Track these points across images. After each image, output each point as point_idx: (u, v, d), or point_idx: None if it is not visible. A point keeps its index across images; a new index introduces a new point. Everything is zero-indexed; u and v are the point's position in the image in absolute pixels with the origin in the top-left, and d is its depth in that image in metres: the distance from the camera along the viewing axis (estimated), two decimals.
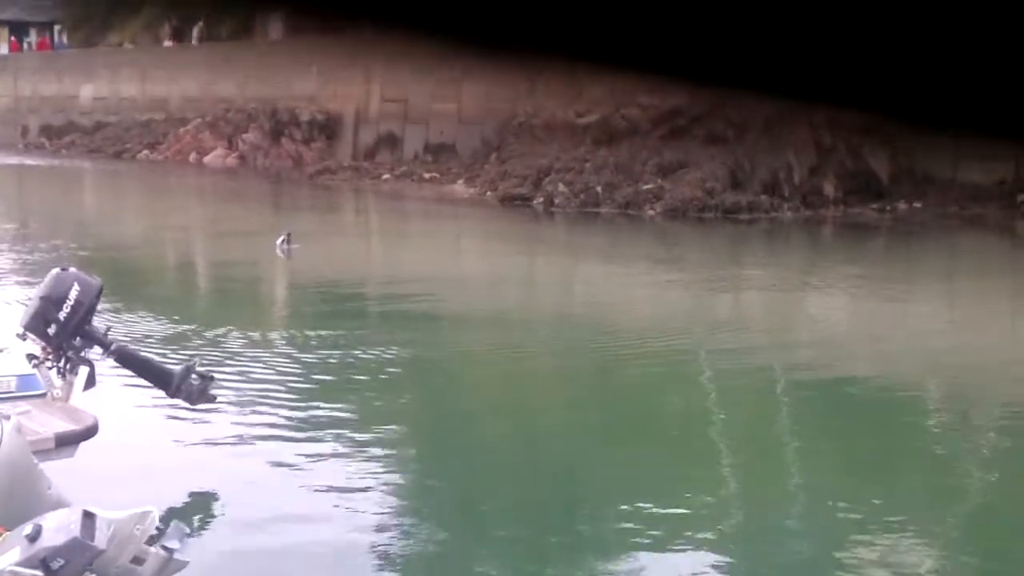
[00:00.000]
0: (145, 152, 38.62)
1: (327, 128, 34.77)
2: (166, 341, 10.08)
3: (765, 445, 7.97)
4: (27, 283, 12.98)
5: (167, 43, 46.33)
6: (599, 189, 23.36)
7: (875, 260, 18.51)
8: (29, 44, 59.53)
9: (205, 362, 7.50)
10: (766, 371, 10.05)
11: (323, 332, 10.78)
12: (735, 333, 11.83)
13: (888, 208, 23.15)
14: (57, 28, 60.29)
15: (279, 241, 16.20)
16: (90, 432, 5.63)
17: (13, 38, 61.27)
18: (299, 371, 9.23)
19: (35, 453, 4.79)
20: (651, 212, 22.44)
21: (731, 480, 7.02)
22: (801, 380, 9.70)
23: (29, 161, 38.83)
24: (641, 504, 6.39)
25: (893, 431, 8.14)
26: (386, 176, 30.42)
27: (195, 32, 42.26)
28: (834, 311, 13.58)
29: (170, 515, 5.18)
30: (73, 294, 5.66)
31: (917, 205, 23.21)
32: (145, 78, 42.19)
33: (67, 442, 5.49)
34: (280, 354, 9.83)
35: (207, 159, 36.09)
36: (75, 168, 36.89)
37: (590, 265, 17.25)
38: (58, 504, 4.23)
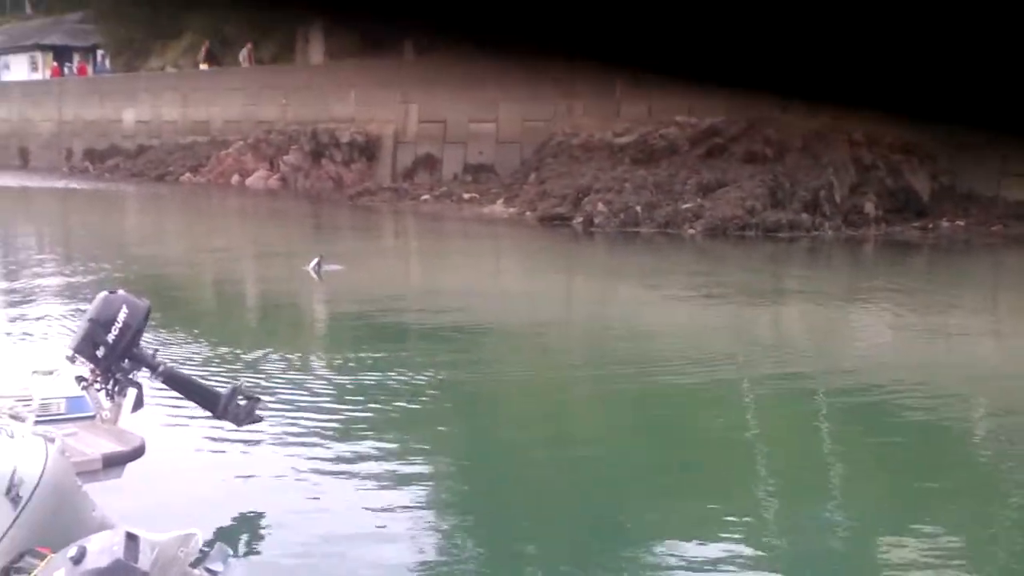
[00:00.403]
0: (188, 175, 39.00)
1: (367, 149, 34.98)
2: (210, 362, 10.15)
3: (810, 472, 7.89)
4: (76, 305, 13.14)
5: (202, 66, 46.90)
6: (638, 208, 23.32)
7: (918, 279, 18.34)
8: (69, 68, 60.38)
9: (249, 384, 7.55)
10: (810, 394, 9.95)
11: (364, 355, 10.81)
12: (778, 354, 11.74)
13: (930, 226, 22.95)
14: (100, 53, 61.17)
15: (312, 265, 16.32)
16: (137, 453, 5.67)
17: (55, 63, 62.25)
18: (340, 395, 9.26)
19: (83, 474, 4.83)
20: (691, 231, 22.39)
21: (775, 508, 6.94)
22: (847, 404, 9.58)
23: (73, 185, 39.29)
24: (683, 536, 6.31)
25: (942, 457, 8.04)
26: (425, 197, 30.54)
27: (243, 54, 42.58)
28: (878, 331, 13.45)
29: (214, 537, 5.20)
30: (121, 317, 5.70)
31: (960, 223, 23.00)
32: (187, 102, 42.66)
33: (114, 463, 5.53)
34: (321, 376, 9.87)
35: (249, 181, 36.40)
36: (118, 191, 37.29)
37: (630, 285, 17.20)
38: (102, 526, 4.25)
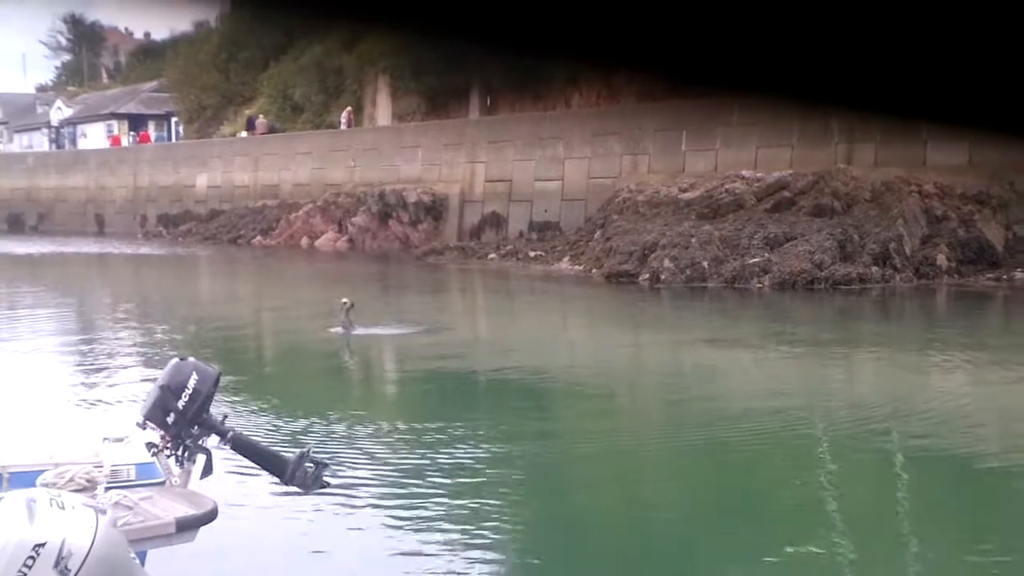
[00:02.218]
0: (258, 238, 39.67)
1: (433, 209, 35.33)
2: (277, 427, 10.24)
3: (888, 533, 7.70)
4: (147, 370, 13.36)
5: (242, 134, 48.03)
6: (705, 264, 23.23)
7: (994, 331, 17.98)
8: (132, 137, 61.80)
9: (316, 449, 7.58)
10: (888, 452, 9.74)
11: (431, 417, 10.82)
12: (851, 410, 11.53)
13: (1004, 277, 22.53)
14: (174, 120, 62.72)
15: (341, 319, 16.09)
16: (210, 516, 5.70)
17: (117, 133, 63.88)
18: (408, 458, 9.25)
19: (156, 538, 4.88)
20: (759, 285, 22.22)
21: (854, 570, 6.80)
22: (922, 459, 9.38)
23: (148, 250, 40.11)
24: None
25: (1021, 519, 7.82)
26: (492, 255, 30.71)
27: (344, 117, 43.30)
28: (955, 384, 13.17)
29: None
30: (191, 383, 5.76)
31: None
32: (257, 166, 43.48)
33: (188, 527, 5.57)
34: (388, 440, 9.88)
35: (318, 243, 36.92)
36: (191, 256, 37.96)
37: (699, 341, 17.05)
38: None
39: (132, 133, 63.68)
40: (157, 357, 14.23)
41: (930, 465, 9.26)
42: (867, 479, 9.00)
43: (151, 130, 65.44)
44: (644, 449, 10.08)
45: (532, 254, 29.85)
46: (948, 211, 23.69)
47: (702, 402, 11.71)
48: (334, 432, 10.07)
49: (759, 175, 26.02)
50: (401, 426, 10.44)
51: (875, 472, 9.16)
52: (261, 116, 48.81)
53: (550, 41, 1.33)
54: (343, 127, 42.55)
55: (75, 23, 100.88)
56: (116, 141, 62.03)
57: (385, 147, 38.64)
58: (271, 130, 47.68)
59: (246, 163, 44.22)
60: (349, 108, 43.21)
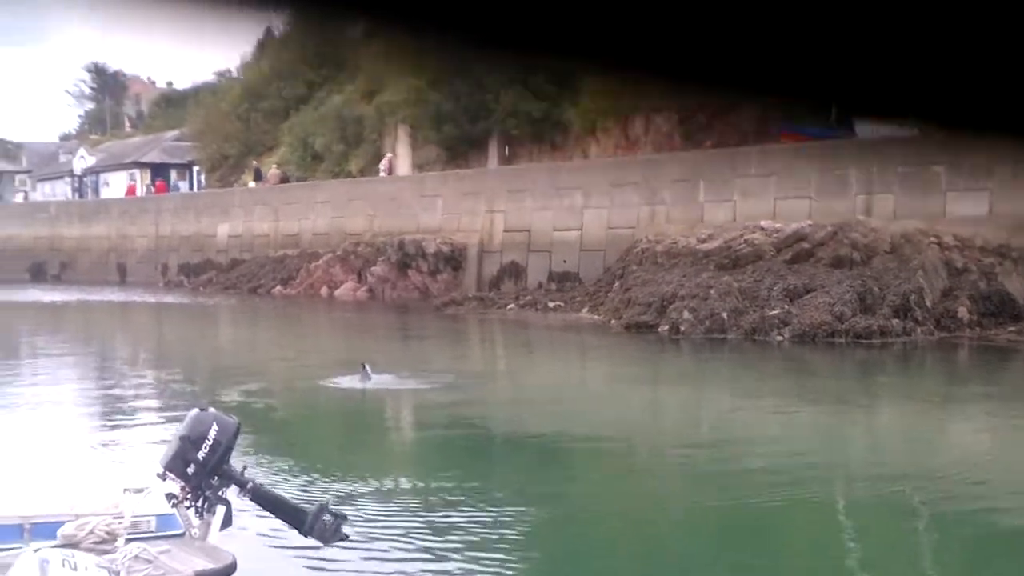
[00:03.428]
0: (279, 287, 39.82)
1: (452, 259, 35.43)
2: (296, 479, 10.22)
3: None
4: (167, 420, 13.38)
5: (250, 184, 48.54)
6: (725, 315, 23.17)
7: (1016, 384, 17.84)
8: (148, 188, 62.36)
9: (335, 501, 7.58)
10: (912, 512, 9.61)
11: (449, 469, 10.80)
12: (871, 467, 11.42)
13: None
14: (195, 169, 63.27)
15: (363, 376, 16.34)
16: (229, 571, 5.70)
17: (132, 183, 64.48)
18: (426, 513, 9.20)
19: None
20: (779, 338, 22.13)
21: None
22: (943, 517, 9.27)
23: (169, 299, 40.30)
24: None
25: None
26: (511, 305, 30.72)
27: (383, 164, 43.44)
28: (978, 440, 13.06)
29: None
30: (212, 434, 5.79)
31: None
32: (278, 215, 43.75)
33: None
34: (407, 494, 9.84)
35: (338, 292, 37.04)
36: (212, 305, 38.11)
37: (718, 394, 16.99)
38: None
39: (148, 184, 64.28)
40: (176, 406, 14.26)
41: (952, 527, 9.14)
42: (890, 543, 8.87)
43: (173, 179, 66.04)
44: (663, 513, 9.96)
45: (551, 304, 29.86)
46: (968, 263, 23.59)
47: (723, 462, 11.51)
48: (351, 485, 10.04)
49: (778, 226, 26.01)
50: (419, 482, 10.38)
51: (898, 537, 9.02)
52: (274, 167, 49.27)
53: (562, 42, 1.34)
54: (383, 174, 42.61)
55: (98, 72, 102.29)
56: (132, 191, 62.57)
57: (404, 196, 38.86)
58: (283, 180, 48.11)
59: (266, 212, 44.51)
60: (389, 155, 43.33)
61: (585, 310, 28.20)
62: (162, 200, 54.87)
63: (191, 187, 63.93)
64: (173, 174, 66.77)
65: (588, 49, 1.36)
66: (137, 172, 67.18)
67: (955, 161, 24.72)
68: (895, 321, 21.97)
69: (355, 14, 1.45)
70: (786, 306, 22.92)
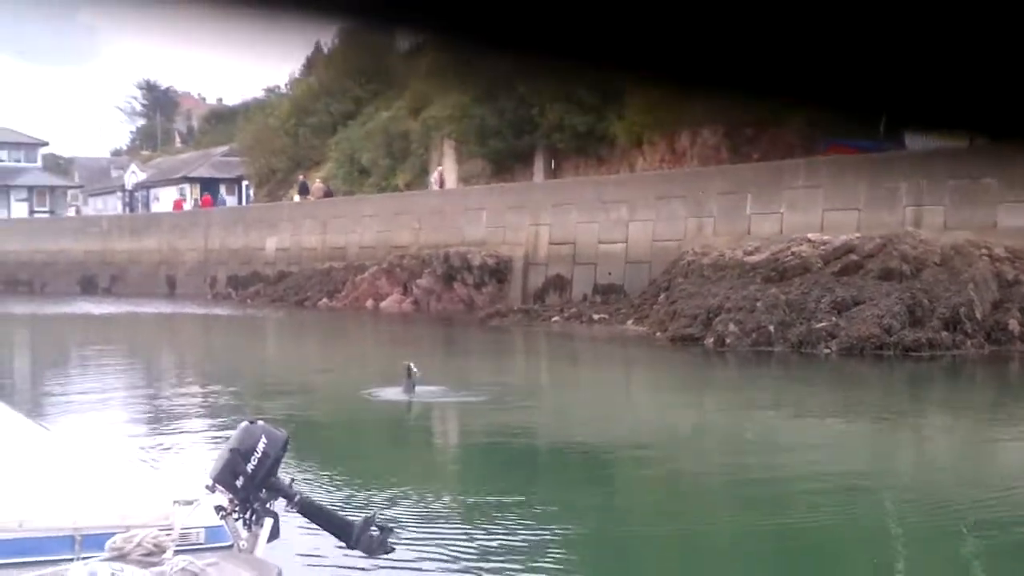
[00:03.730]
0: (325, 300, 40.08)
1: (497, 272, 35.47)
2: (342, 492, 10.26)
3: None
4: (215, 431, 13.49)
5: (296, 198, 48.89)
6: (771, 328, 23.00)
7: None
8: (195, 201, 63.07)
9: (381, 514, 7.60)
10: (961, 532, 9.45)
11: (494, 484, 10.79)
12: (922, 486, 11.23)
13: None
14: (244, 184, 63.92)
15: (404, 383, 16.13)
16: None
17: (179, 197, 65.21)
18: (471, 526, 9.19)
19: None
20: (826, 351, 21.93)
21: None
22: (992, 538, 9.11)
23: (218, 311, 40.65)
24: None
25: None
26: (556, 318, 30.70)
27: (434, 176, 43.65)
28: None
29: None
30: (261, 447, 5.81)
31: None
32: (325, 229, 44.05)
33: None
34: (452, 507, 9.85)
35: (383, 304, 37.21)
36: (259, 317, 38.42)
37: (765, 409, 16.82)
38: None
39: (195, 198, 65.00)
40: (225, 418, 14.39)
41: (1002, 549, 8.98)
42: (939, 565, 8.74)
43: (222, 193, 66.75)
44: (710, 530, 9.84)
45: (596, 316, 29.81)
46: (1020, 275, 23.28)
47: (770, 480, 11.30)
48: (397, 498, 10.06)
49: (826, 238, 25.81)
50: (464, 495, 10.38)
51: (947, 558, 8.88)
52: (317, 181, 49.69)
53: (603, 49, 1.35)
54: (434, 187, 42.75)
55: (150, 89, 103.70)
56: (178, 205, 63.29)
57: (450, 210, 38.99)
58: (327, 194, 48.53)
59: (314, 226, 44.85)
60: (440, 168, 43.49)
61: (630, 322, 28.12)
62: (211, 214, 55.44)
63: (239, 201, 64.57)
64: (222, 189, 67.49)
65: (637, 61, 1.36)
66: (187, 187, 67.97)
67: (1006, 173, 24.40)
68: (945, 334, 21.70)
69: (406, 26, 1.47)
70: (834, 319, 22.71)
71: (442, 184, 42.86)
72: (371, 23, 1.51)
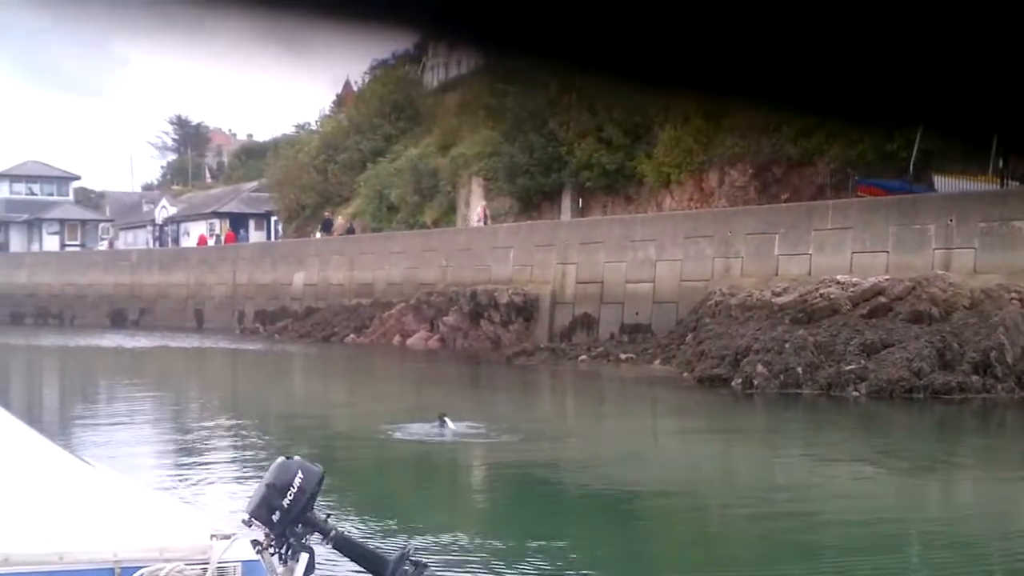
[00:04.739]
0: (352, 336, 40.20)
1: (524, 310, 35.48)
2: (376, 527, 10.31)
3: None
4: (250, 466, 13.56)
5: (317, 235, 49.27)
6: (799, 370, 22.90)
7: None
8: (217, 237, 63.51)
9: (416, 549, 7.61)
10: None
11: (522, 523, 10.82)
12: (955, 535, 11.07)
13: None
14: (273, 219, 64.33)
15: (441, 426, 16.62)
16: None
17: (203, 234, 65.69)
18: (500, 564, 9.22)
19: None
20: (855, 393, 21.81)
21: None
22: None
23: (247, 346, 40.81)
24: None
25: None
26: (583, 357, 30.66)
27: (477, 212, 43.69)
28: None
29: None
30: (297, 482, 5.86)
31: None
32: (353, 265, 44.26)
33: None
34: (481, 543, 9.88)
35: (410, 341, 37.30)
36: (287, 352, 38.54)
37: (793, 453, 16.73)
38: None
39: (217, 234, 65.46)
40: (253, 452, 14.47)
41: None
42: None
43: (251, 228, 67.21)
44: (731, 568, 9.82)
45: (623, 356, 29.76)
46: None
47: (797, 528, 11.21)
48: (431, 532, 10.10)
49: (854, 280, 25.74)
50: (493, 537, 10.38)
51: None
52: (339, 218, 50.08)
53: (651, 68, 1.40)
54: (477, 223, 42.84)
55: (181, 124, 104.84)
56: (203, 241, 63.72)
57: (477, 247, 39.13)
58: (349, 231, 48.90)
59: (342, 262, 45.07)
60: (484, 203, 43.55)
61: (657, 362, 28.06)
62: (240, 249, 55.83)
63: (268, 237, 64.98)
64: (251, 224, 67.94)
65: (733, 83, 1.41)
66: (217, 222, 68.48)
67: None
68: (975, 378, 21.55)
69: (458, 42, 1.53)
70: (863, 361, 22.60)
71: (486, 220, 42.79)
72: (425, 34, 1.57)
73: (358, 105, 57.95)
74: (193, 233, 69.48)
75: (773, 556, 10.24)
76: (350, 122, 57.29)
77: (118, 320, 55.05)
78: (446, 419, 16.59)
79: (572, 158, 40.30)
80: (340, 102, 67.02)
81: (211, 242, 62.93)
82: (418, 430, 16.84)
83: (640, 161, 38.33)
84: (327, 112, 68.04)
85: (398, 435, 16.72)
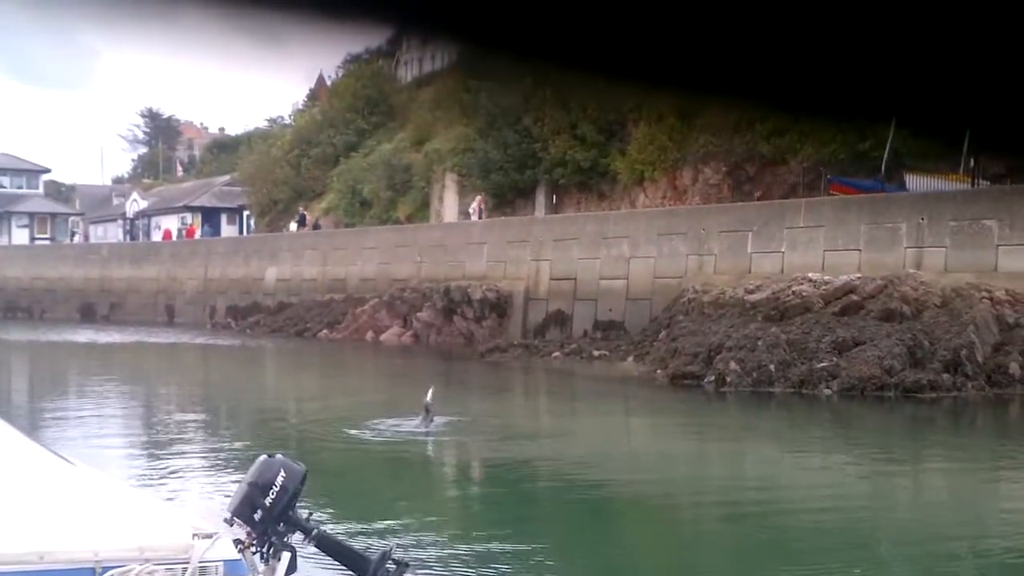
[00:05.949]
0: (324, 331, 40.07)
1: (498, 306, 35.49)
2: (357, 526, 10.30)
3: None
4: (229, 465, 13.50)
5: (292, 226, 49.21)
6: (772, 367, 23.03)
7: None
8: (180, 232, 63.33)
9: (398, 548, 7.61)
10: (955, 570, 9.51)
11: (500, 519, 10.82)
12: (920, 532, 11.18)
13: None
14: (245, 213, 64.03)
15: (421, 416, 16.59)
16: None
17: (168, 228, 65.43)
18: (480, 561, 9.24)
19: None
20: (827, 391, 21.97)
21: None
22: None
23: (220, 341, 40.59)
24: None
25: None
26: (556, 354, 30.68)
27: (473, 207, 43.32)
28: None
29: None
30: (279, 480, 5.84)
31: None
32: (326, 260, 44.12)
33: None
34: (462, 540, 9.90)
35: (383, 337, 37.23)
36: (260, 348, 38.37)
37: (765, 451, 16.82)
38: None
39: (181, 228, 65.18)
40: (231, 448, 14.40)
41: None
42: None
43: (223, 223, 66.89)
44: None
45: (596, 353, 29.80)
46: (1021, 318, 23.36)
47: (771, 527, 11.25)
48: (412, 530, 10.11)
49: (827, 278, 25.92)
50: (473, 525, 10.45)
51: None
52: (308, 214, 50.15)
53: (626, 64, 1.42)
54: (473, 217, 42.67)
55: (152, 117, 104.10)
56: (167, 235, 63.39)
57: (451, 243, 39.09)
58: (315, 226, 48.90)
59: (315, 257, 44.93)
60: (480, 196, 43.21)
61: (630, 359, 28.11)
62: (212, 243, 55.52)
63: (240, 231, 64.66)
64: (223, 218, 67.60)
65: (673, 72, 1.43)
66: (188, 216, 68.08)
67: (1007, 215, 24.58)
68: (945, 376, 21.75)
69: (434, 34, 1.55)
70: (834, 359, 22.76)
71: (481, 214, 42.53)
72: (400, 29, 1.58)
73: (331, 100, 57.73)
74: (165, 227, 69.07)
75: (745, 553, 10.33)
76: (323, 116, 57.09)
77: (88, 314, 54.64)
78: (429, 399, 16.59)
79: (546, 155, 40.34)
80: (313, 96, 66.78)
81: (175, 237, 62.63)
82: (396, 425, 16.84)
83: (614, 158, 38.43)
84: (300, 106, 67.78)
85: (376, 431, 16.69)
